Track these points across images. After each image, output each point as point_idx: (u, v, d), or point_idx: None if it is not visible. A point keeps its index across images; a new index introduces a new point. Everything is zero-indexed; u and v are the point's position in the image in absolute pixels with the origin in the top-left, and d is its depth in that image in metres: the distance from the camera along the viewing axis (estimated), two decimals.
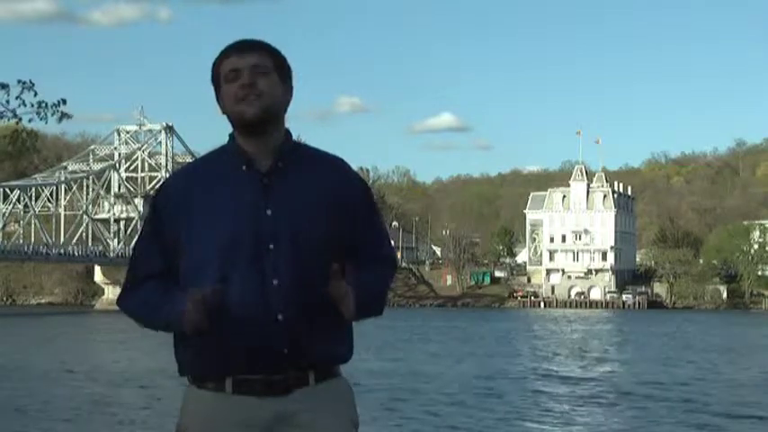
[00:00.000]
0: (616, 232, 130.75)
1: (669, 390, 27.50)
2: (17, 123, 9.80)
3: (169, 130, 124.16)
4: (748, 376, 32.07)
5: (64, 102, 9.80)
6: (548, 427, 20.38)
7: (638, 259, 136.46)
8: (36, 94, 9.54)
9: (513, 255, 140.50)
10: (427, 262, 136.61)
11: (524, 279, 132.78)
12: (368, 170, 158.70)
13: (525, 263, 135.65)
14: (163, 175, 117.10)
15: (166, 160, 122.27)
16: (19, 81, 9.46)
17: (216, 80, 2.80)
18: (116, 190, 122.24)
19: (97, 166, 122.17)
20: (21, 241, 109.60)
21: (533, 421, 21.16)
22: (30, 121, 9.82)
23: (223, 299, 2.67)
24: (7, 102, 9.49)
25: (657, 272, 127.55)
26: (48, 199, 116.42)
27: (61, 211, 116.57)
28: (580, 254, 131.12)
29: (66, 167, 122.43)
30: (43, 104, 9.64)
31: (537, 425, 20.65)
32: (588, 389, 27.72)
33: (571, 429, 20.22)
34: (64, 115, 9.85)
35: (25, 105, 9.58)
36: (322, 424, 2.74)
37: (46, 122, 9.76)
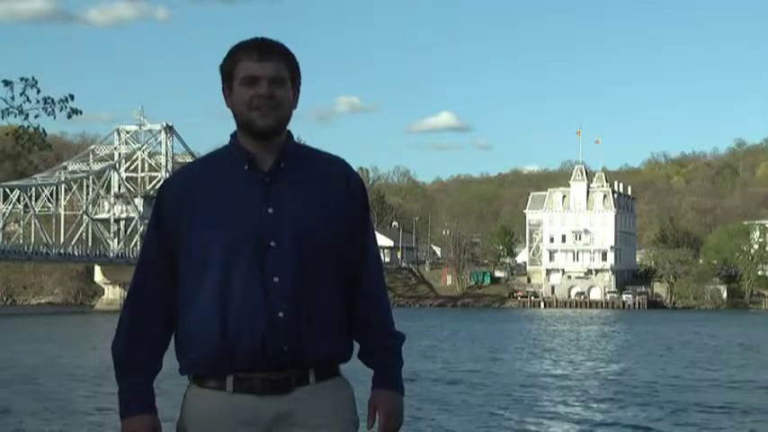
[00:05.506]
0: (616, 232, 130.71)
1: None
2: (25, 119, 9.75)
3: (169, 130, 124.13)
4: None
5: (71, 97, 9.75)
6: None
7: (638, 259, 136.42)
8: (39, 92, 9.51)
9: (513, 255, 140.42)
10: (427, 262, 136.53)
11: (524, 279, 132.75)
12: (368, 170, 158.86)
13: (525, 263, 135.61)
14: (163, 175, 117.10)
15: (166, 160, 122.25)
16: (22, 78, 9.42)
17: (227, 75, 2.78)
18: (116, 190, 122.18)
19: (97, 166, 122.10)
20: (21, 241, 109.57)
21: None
22: (36, 117, 9.78)
23: (225, 296, 2.69)
24: (12, 98, 9.46)
25: (657, 272, 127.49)
26: (48, 199, 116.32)
27: (61, 211, 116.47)
28: (580, 254, 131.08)
29: (66, 167, 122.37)
30: (49, 100, 9.61)
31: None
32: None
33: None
34: (74, 111, 9.80)
35: (30, 102, 9.55)
36: (322, 423, 2.75)
37: (54, 118, 9.72)
